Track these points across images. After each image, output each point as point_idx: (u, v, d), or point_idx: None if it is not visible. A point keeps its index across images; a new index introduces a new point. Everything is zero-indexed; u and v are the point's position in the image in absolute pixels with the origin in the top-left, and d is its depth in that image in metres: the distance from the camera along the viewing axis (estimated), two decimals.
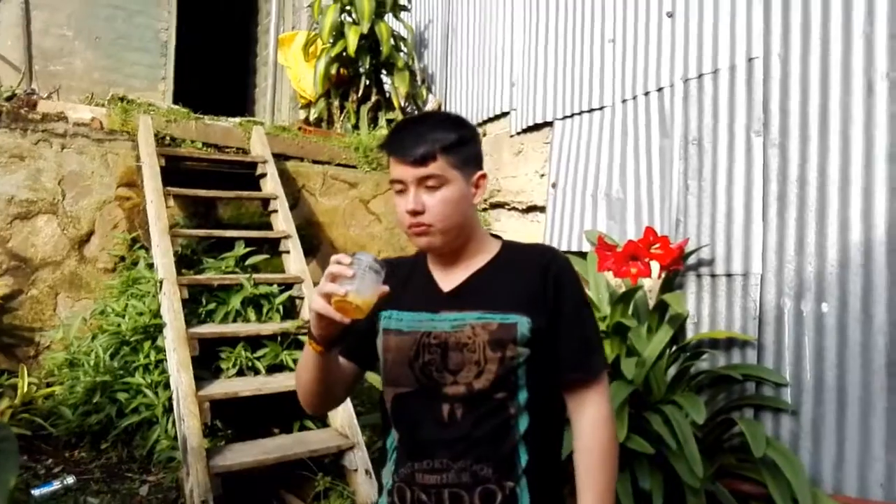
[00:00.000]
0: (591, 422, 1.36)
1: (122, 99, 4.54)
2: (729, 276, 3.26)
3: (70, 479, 3.04)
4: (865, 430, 2.69)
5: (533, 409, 1.33)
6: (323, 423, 3.46)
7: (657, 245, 3.26)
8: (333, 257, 1.23)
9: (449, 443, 1.31)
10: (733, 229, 3.25)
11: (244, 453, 3.00)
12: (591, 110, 4.21)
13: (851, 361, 2.74)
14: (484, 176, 1.43)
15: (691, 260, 3.39)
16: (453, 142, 1.36)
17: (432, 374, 1.33)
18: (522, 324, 1.32)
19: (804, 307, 2.93)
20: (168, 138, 4.41)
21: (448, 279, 1.42)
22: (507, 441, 1.32)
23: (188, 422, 2.91)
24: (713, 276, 3.34)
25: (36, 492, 2.91)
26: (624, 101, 3.98)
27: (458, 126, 1.40)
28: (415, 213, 1.33)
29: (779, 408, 2.97)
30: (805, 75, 2.98)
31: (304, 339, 3.56)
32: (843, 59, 2.84)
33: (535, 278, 1.38)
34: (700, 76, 3.47)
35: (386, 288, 1.24)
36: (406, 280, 1.45)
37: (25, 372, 3.50)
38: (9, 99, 4.20)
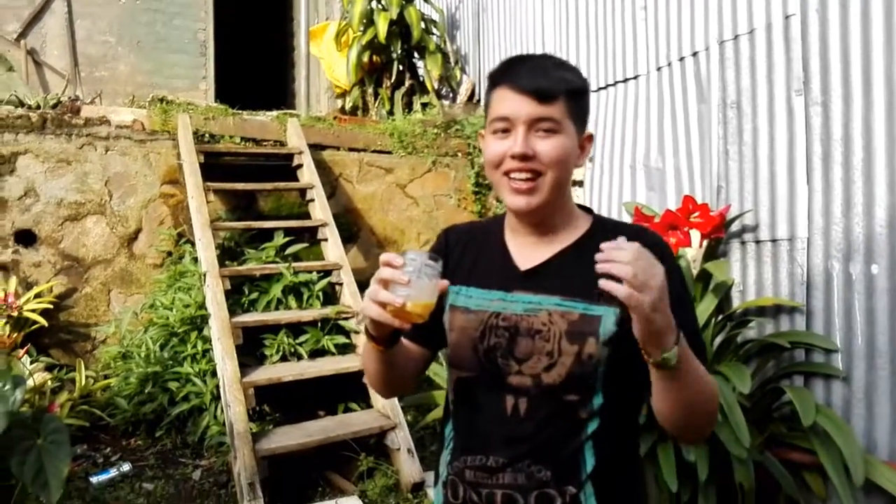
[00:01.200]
0: None
1: (161, 100, 4.64)
2: (774, 241, 3.15)
3: (126, 467, 3.16)
4: None
5: (607, 413, 1.16)
6: (367, 404, 3.51)
7: (697, 213, 3.18)
8: (382, 258, 1.05)
9: (508, 440, 1.16)
10: (777, 193, 3.14)
11: (288, 436, 3.07)
12: (625, 80, 4.13)
13: None
14: (591, 137, 1.24)
15: (734, 227, 3.30)
16: (579, 88, 1.18)
17: (497, 359, 1.17)
18: (608, 317, 1.13)
19: (853, 270, 2.82)
20: (207, 135, 4.50)
21: (527, 255, 1.22)
22: (573, 443, 1.15)
23: (234, 408, 2.99)
24: (757, 242, 3.24)
25: (94, 479, 3.03)
26: (659, 68, 3.88)
27: (581, 75, 1.21)
28: (524, 157, 1.12)
29: (829, 374, 2.88)
30: (845, 30, 2.84)
31: (346, 324, 3.65)
32: (885, 11, 2.69)
33: None
34: (736, 37, 3.35)
35: (445, 283, 1.08)
36: (478, 251, 1.29)
37: (83, 366, 3.64)
38: (54, 106, 4.35)
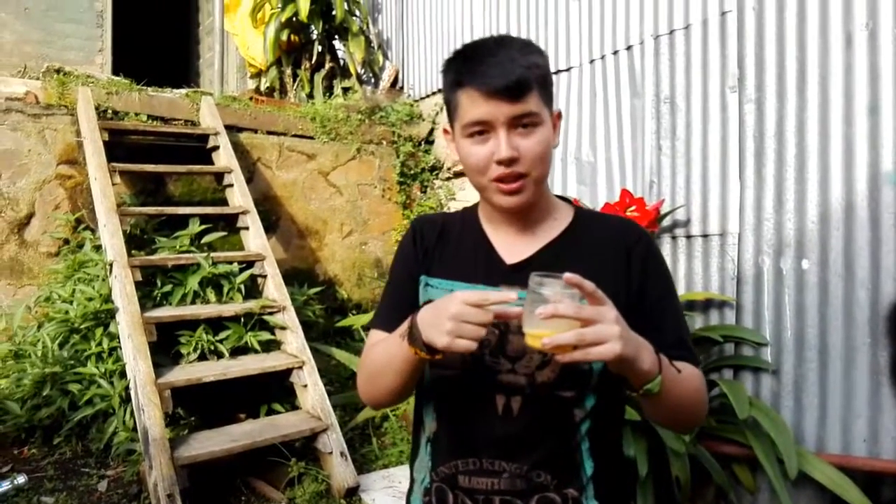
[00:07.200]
0: None
1: (58, 71, 4.21)
2: (705, 236, 3.19)
3: (21, 479, 2.80)
4: (848, 386, 2.66)
5: (599, 413, 1.13)
6: (293, 405, 3.31)
7: (633, 207, 3.17)
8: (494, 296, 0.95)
9: (502, 441, 1.11)
10: (709, 188, 3.17)
11: (211, 442, 2.83)
12: (557, 72, 4.08)
13: (833, 318, 2.71)
14: (560, 115, 1.17)
15: (666, 222, 3.32)
16: (547, 71, 1.11)
17: (485, 357, 1.11)
18: None
19: (783, 265, 2.88)
20: (110, 111, 4.13)
21: (511, 249, 1.17)
22: (569, 444, 1.12)
23: (148, 412, 2.72)
24: (689, 237, 3.27)
25: None
26: (592, 61, 3.85)
27: (543, 52, 1.13)
28: (511, 162, 1.06)
29: (759, 367, 2.94)
30: (781, 28, 2.89)
31: (270, 319, 3.42)
32: (820, 10, 2.75)
33: (619, 260, 1.13)
34: (671, 32, 3.36)
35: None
36: (457, 243, 1.22)
37: None
38: None
